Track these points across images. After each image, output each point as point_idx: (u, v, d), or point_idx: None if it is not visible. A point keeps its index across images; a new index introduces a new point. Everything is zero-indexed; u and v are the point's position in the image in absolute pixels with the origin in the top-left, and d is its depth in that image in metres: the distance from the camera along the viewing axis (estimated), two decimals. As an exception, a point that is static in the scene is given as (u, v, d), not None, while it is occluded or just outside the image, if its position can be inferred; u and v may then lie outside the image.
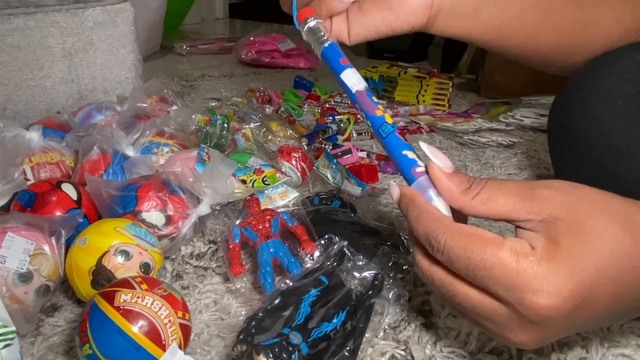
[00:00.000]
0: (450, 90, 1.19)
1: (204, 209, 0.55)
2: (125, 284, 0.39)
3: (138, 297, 0.38)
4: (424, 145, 0.37)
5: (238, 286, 0.50)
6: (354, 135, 0.97)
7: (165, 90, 0.86)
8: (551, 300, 0.30)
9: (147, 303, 0.38)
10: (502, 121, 1.07)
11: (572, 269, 0.30)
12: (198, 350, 0.44)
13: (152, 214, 0.53)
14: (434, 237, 0.33)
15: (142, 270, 0.46)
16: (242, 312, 0.48)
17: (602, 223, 0.31)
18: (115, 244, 0.46)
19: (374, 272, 0.47)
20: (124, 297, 0.38)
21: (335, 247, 0.49)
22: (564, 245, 0.30)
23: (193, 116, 0.74)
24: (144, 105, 0.78)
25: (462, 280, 0.33)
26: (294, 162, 0.72)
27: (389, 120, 0.42)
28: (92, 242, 0.46)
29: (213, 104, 0.82)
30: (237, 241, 0.53)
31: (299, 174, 0.73)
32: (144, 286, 0.39)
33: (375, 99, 0.44)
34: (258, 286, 0.51)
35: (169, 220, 0.54)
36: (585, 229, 0.31)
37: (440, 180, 0.35)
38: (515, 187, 0.33)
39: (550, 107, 0.64)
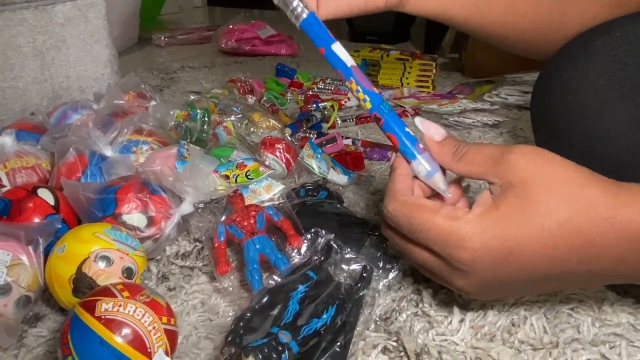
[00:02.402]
0: (434, 71, 1.17)
1: (186, 207, 0.54)
2: (106, 292, 0.38)
3: (120, 306, 0.37)
4: (417, 121, 0.43)
5: (225, 285, 0.49)
6: (339, 122, 0.96)
7: (143, 86, 0.84)
8: (472, 254, 0.35)
9: (129, 311, 0.36)
10: (486, 100, 1.06)
11: (498, 230, 0.35)
12: (187, 354, 0.43)
13: (133, 216, 0.52)
14: (386, 207, 0.41)
15: (125, 275, 0.45)
16: (231, 312, 0.47)
17: (546, 193, 0.35)
18: (95, 250, 0.44)
19: (362, 264, 0.46)
20: (105, 306, 0.36)
21: (322, 240, 0.48)
22: (501, 210, 0.35)
23: (172, 112, 0.72)
24: (121, 102, 0.76)
25: (411, 242, 0.40)
26: (278, 154, 0.71)
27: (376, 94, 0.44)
28: (71, 249, 0.44)
29: (192, 97, 0.80)
30: (222, 239, 0.52)
31: (283, 165, 0.72)
32: (126, 293, 0.38)
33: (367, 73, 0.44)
34: (246, 284, 0.50)
35: (151, 221, 0.53)
36: (530, 200, 0.35)
37: (434, 148, 0.41)
38: (491, 150, 0.38)
39: (534, 86, 0.63)
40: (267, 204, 0.59)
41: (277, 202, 0.58)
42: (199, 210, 0.56)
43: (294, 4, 0.45)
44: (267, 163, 0.68)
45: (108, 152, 0.64)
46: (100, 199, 0.52)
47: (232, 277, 0.50)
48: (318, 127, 0.90)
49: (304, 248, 0.49)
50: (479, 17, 0.54)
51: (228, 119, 0.76)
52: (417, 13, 0.53)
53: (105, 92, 0.79)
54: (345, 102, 1.04)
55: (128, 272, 0.45)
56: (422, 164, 0.42)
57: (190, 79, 1.32)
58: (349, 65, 0.44)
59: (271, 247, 0.50)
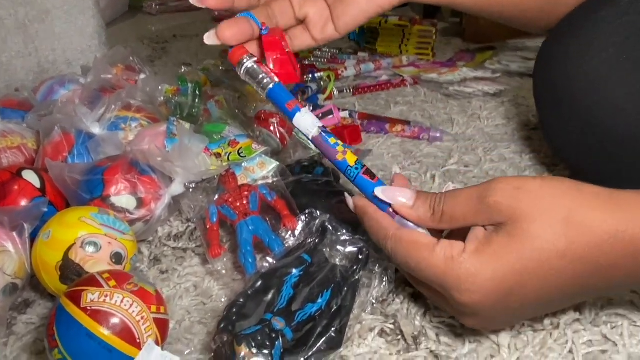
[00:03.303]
0: (434, 37, 1.14)
1: (177, 188, 0.52)
2: (92, 281, 0.36)
3: (106, 296, 0.35)
4: (378, 192, 0.39)
5: (219, 268, 0.48)
6: (336, 93, 0.93)
7: (131, 58, 0.81)
8: (472, 297, 0.34)
9: (116, 301, 0.35)
10: (488, 68, 1.03)
11: (494, 271, 0.33)
12: (180, 340, 0.43)
13: (122, 198, 0.50)
14: (384, 246, 0.38)
15: (114, 260, 0.44)
16: (224, 298, 0.46)
17: (538, 226, 0.33)
18: (82, 236, 0.43)
19: (358, 245, 0.45)
20: (90, 296, 0.35)
21: (317, 222, 0.47)
22: (494, 248, 0.34)
23: (160, 87, 0.69)
24: (109, 76, 0.74)
25: (415, 278, 0.39)
26: (272, 129, 0.69)
27: (351, 160, 0.41)
28: (57, 235, 0.43)
29: (183, 69, 0.77)
30: (214, 220, 0.51)
31: (278, 140, 0.70)
32: (112, 283, 0.36)
33: (332, 140, 0.42)
34: (239, 266, 0.49)
35: (140, 203, 0.51)
36: (521, 232, 0.33)
37: (409, 216, 0.38)
38: (467, 199, 0.36)
39: (536, 58, 0.60)
40: (260, 182, 0.57)
41: (271, 180, 0.57)
42: (190, 191, 0.54)
43: (261, 76, 0.44)
44: (260, 139, 0.66)
45: (96, 129, 0.62)
46: (87, 180, 0.50)
47: (225, 259, 0.49)
48: (314, 100, 0.88)
49: (298, 229, 0.47)
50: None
51: (220, 92, 0.73)
52: (428, 2, 0.52)
53: (92, 66, 0.76)
54: (342, 71, 1.01)
55: (117, 258, 0.44)
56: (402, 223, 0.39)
57: (183, 49, 1.29)
58: (310, 137, 0.43)
59: (265, 229, 0.49)
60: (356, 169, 0.41)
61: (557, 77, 0.53)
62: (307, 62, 1.07)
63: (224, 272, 0.48)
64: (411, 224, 0.39)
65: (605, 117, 0.50)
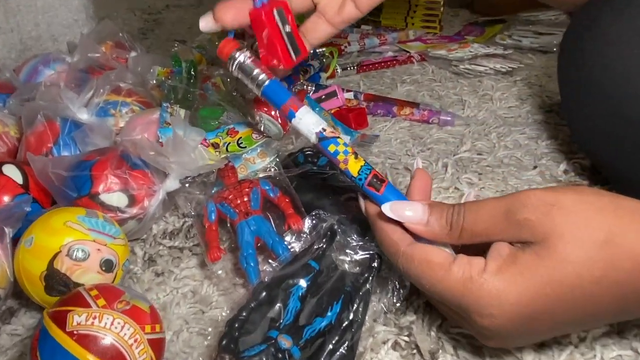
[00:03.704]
0: (442, 9, 1.08)
1: (172, 184, 0.48)
2: (78, 300, 0.33)
3: (94, 318, 0.32)
4: (386, 210, 0.35)
5: (218, 272, 0.45)
6: (339, 70, 0.88)
7: (121, 34, 0.75)
8: (494, 321, 0.31)
9: (105, 324, 0.32)
10: (499, 43, 0.98)
11: (518, 295, 0.30)
12: (178, 354, 0.39)
13: (112, 195, 0.46)
14: (394, 262, 0.35)
15: (104, 268, 0.40)
16: (224, 305, 0.43)
17: (572, 248, 0.29)
18: (68, 243, 0.39)
19: (370, 251, 0.41)
20: (77, 319, 0.32)
21: (325, 225, 0.43)
22: (519, 268, 0.30)
23: (152, 69, 0.64)
24: (96, 55, 0.68)
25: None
26: (273, 113, 0.64)
27: (354, 168, 0.37)
28: (40, 242, 0.39)
29: (176, 46, 0.71)
30: (213, 219, 0.47)
31: (279, 125, 0.65)
32: (101, 302, 0.33)
33: (331, 147, 0.38)
34: (240, 267, 0.45)
35: (132, 200, 0.47)
36: (552, 254, 0.30)
37: (425, 233, 0.34)
38: (491, 216, 0.32)
39: (564, 35, 0.55)
40: (261, 174, 0.53)
41: (272, 172, 0.52)
42: (187, 185, 0.50)
43: (255, 72, 0.40)
44: (260, 126, 0.61)
45: (83, 115, 0.58)
46: (73, 176, 0.46)
47: (225, 261, 0.46)
48: (316, 79, 0.83)
49: (305, 229, 0.44)
50: None
51: (217, 72, 0.68)
52: None
53: (78, 44, 0.70)
54: (346, 47, 0.96)
55: (107, 265, 0.40)
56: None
57: (176, 20, 1.22)
58: (312, 142, 0.39)
59: (268, 229, 0.45)
60: (359, 179, 0.36)
61: (587, 58, 0.49)
62: (308, 36, 1.02)
63: (223, 275, 0.45)
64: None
65: (637, 109, 0.46)
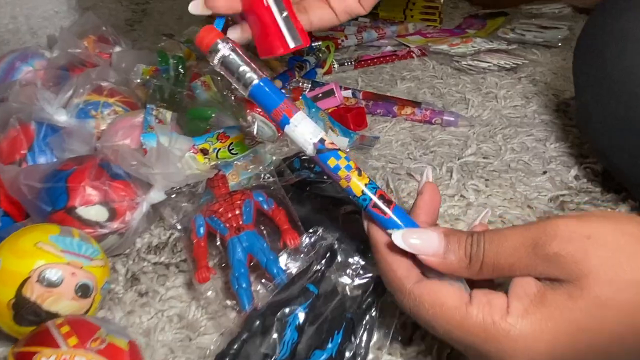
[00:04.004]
0: (442, 1, 1.03)
1: (156, 195, 0.44)
2: (46, 339, 0.29)
3: (65, 360, 0.28)
4: (397, 239, 0.30)
5: (208, 293, 0.41)
6: (336, 66, 0.84)
7: (104, 28, 0.71)
8: None
9: (77, 367, 0.28)
10: (501, 37, 0.94)
11: (551, 340, 0.26)
12: (162, 388, 0.36)
13: (91, 209, 0.42)
14: (400, 301, 0.31)
15: (80, 294, 0.36)
16: (214, 334, 0.39)
17: (612, 291, 0.25)
18: (38, 267, 0.35)
19: (373, 274, 0.38)
20: (45, 362, 0.28)
21: (324, 243, 0.39)
22: (551, 310, 0.26)
23: (136, 68, 0.60)
24: (77, 50, 0.64)
25: None
26: (266, 114, 0.60)
27: (357, 188, 0.33)
28: (7, 266, 0.35)
29: (163, 41, 0.67)
30: (201, 234, 0.43)
31: (273, 127, 0.61)
32: (72, 340, 0.29)
33: (332, 162, 0.33)
34: (230, 287, 0.42)
35: (113, 213, 0.43)
36: (588, 296, 0.26)
37: (439, 267, 0.30)
38: (516, 249, 0.28)
39: (582, 29, 0.52)
40: (254, 182, 0.49)
41: (266, 180, 0.49)
42: (173, 197, 0.46)
43: (241, 68, 0.34)
44: (253, 128, 0.58)
45: (61, 117, 0.53)
46: (47, 188, 0.42)
47: (214, 279, 0.42)
48: (312, 75, 0.79)
49: (301, 248, 0.40)
50: None
51: (207, 69, 0.64)
52: None
53: (58, 39, 0.66)
54: (343, 40, 0.91)
55: (83, 290, 0.36)
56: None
57: (165, 10, 1.17)
58: (308, 153, 0.33)
59: (261, 247, 0.41)
60: (364, 200, 0.32)
61: (608, 56, 0.45)
62: (302, 29, 0.97)
63: (213, 296, 0.41)
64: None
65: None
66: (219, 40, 0.34)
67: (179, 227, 0.48)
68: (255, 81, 0.34)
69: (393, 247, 0.31)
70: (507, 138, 0.66)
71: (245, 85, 0.35)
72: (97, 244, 0.39)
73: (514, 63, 0.83)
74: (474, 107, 0.73)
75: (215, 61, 0.35)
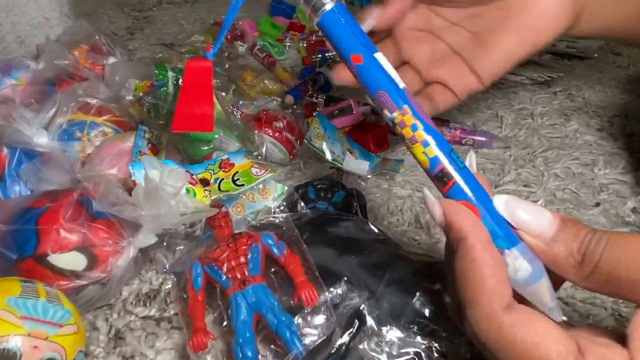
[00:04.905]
0: (465, 9, 0.96)
1: (146, 238, 0.37)
2: None
3: None
4: (499, 202, 0.26)
5: (205, 361, 0.33)
6: (351, 79, 0.77)
7: (97, 36, 0.64)
8: None
9: None
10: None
11: None
12: None
13: (66, 256, 0.35)
14: (473, 322, 0.24)
15: (44, 372, 0.29)
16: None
17: None
18: (-9, 340, 0.28)
19: (415, 349, 0.30)
20: None
21: (350, 305, 0.32)
22: None
23: (127, 83, 0.53)
24: (65, 62, 0.57)
25: None
26: (277, 135, 0.53)
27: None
28: (-49, 339, 0.28)
29: (160, 54, 0.60)
30: (199, 287, 0.36)
31: (284, 149, 0.54)
32: None
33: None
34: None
35: (93, 260, 0.36)
36: None
37: (543, 255, 0.25)
38: None
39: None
40: (262, 220, 0.42)
41: (277, 217, 0.41)
42: (165, 240, 0.38)
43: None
44: (262, 150, 0.50)
45: (41, 139, 0.47)
46: (13, 231, 0.35)
47: (213, 346, 0.34)
48: (327, 89, 0.71)
49: (320, 315, 0.32)
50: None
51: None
52: (580, 36, 0.44)
53: (44, 49, 0.59)
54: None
55: (48, 367, 0.29)
56: (522, 260, 0.25)
57: (168, 19, 1.10)
58: (401, 87, 0.27)
59: (271, 305, 0.34)
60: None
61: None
62: (315, 38, 0.90)
63: (212, 365, 0.34)
64: (522, 279, 0.24)
65: None
66: None
67: (173, 273, 0.40)
68: (327, 7, 0.28)
69: (487, 246, 0.24)
70: (548, 162, 0.58)
71: (315, 9, 0.28)
72: (70, 304, 0.32)
73: (548, 76, 0.76)
74: (507, 125, 0.65)
75: None
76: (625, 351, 0.21)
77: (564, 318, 0.24)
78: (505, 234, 0.25)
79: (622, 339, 0.22)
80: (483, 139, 0.61)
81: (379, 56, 0.27)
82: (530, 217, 0.25)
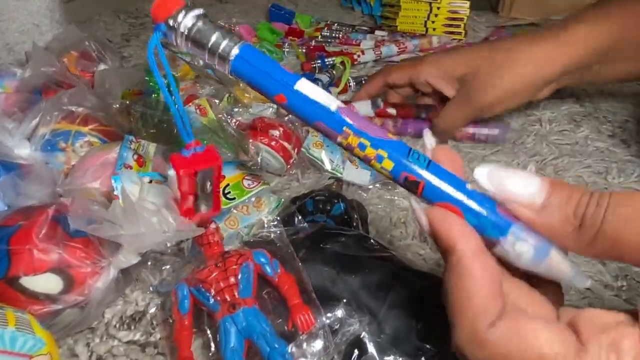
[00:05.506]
0: (468, 13, 0.94)
1: (127, 258, 0.34)
2: None
3: None
4: (481, 174, 0.23)
5: (191, 393, 0.30)
6: (352, 84, 0.74)
7: (87, 43, 0.61)
8: None
9: None
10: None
11: None
12: None
13: (39, 279, 0.32)
14: (464, 335, 0.22)
15: (9, 410, 0.26)
16: None
17: None
18: (-52, 376, 0.25)
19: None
20: None
21: (350, 331, 0.29)
22: None
23: (114, 90, 0.50)
24: (52, 69, 0.54)
25: None
26: (273, 143, 0.51)
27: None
28: None
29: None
30: (185, 311, 0.33)
31: (281, 159, 0.51)
32: None
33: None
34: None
35: (69, 282, 0.33)
36: None
37: (536, 225, 0.22)
38: None
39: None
40: (253, 238, 0.39)
41: (271, 232, 0.38)
42: (150, 259, 0.36)
43: (223, 43, 0.25)
44: (257, 160, 0.48)
45: (24, 151, 0.44)
46: (-17, 251, 0.32)
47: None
48: (326, 95, 0.69)
49: (317, 341, 0.30)
50: None
51: (203, 91, 0.54)
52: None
53: (31, 56, 0.57)
54: (359, 55, 0.82)
55: (14, 404, 0.26)
56: (524, 239, 0.22)
57: (166, 25, 1.08)
58: (333, 108, 0.24)
59: (263, 331, 0.31)
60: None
61: None
62: (314, 44, 0.88)
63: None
64: (530, 258, 0.22)
65: None
66: (181, 8, 0.25)
67: (159, 293, 0.37)
68: (236, 50, 0.25)
69: (477, 255, 0.22)
70: (559, 171, 0.55)
71: (223, 58, 0.25)
72: (43, 331, 0.29)
73: (555, 80, 0.73)
74: (515, 131, 0.63)
75: (179, 34, 0.25)
76: (636, 328, 0.19)
77: (588, 283, 0.22)
78: (495, 221, 0.22)
79: (631, 317, 0.20)
80: (496, 132, 0.58)
81: (301, 85, 0.24)
82: (517, 186, 0.22)
